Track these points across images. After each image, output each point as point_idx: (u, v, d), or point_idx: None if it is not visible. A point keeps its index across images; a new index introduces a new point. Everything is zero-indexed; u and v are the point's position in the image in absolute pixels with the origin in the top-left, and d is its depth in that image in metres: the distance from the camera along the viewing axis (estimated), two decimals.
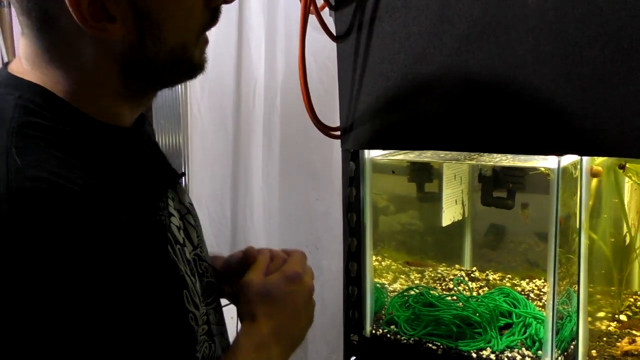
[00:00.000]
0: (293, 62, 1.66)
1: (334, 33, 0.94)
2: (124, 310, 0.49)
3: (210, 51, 0.62)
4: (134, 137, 0.63)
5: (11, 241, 0.46)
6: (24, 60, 0.58)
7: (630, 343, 0.86)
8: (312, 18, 0.92)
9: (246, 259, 0.74)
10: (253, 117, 1.76)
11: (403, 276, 1.15)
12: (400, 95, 0.88)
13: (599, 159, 0.88)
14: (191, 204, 0.72)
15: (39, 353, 0.46)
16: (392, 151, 1.04)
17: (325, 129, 0.97)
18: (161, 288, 0.55)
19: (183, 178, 0.72)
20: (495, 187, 1.04)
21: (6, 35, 1.64)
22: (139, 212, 0.56)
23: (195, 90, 1.72)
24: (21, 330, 0.46)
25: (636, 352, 0.84)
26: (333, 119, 1.02)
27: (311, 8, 0.90)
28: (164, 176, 0.68)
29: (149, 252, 0.55)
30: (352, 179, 0.98)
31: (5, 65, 0.61)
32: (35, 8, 0.54)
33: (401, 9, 0.87)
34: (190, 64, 0.60)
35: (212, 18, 0.61)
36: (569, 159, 0.85)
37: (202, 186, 1.79)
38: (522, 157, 1.00)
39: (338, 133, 0.97)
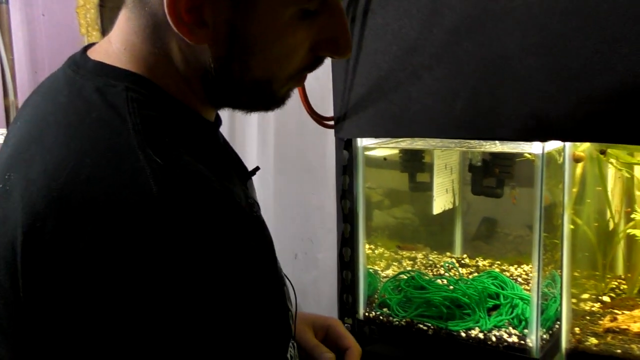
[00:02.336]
0: None
1: None
2: (247, 302, 0.49)
3: None
4: (217, 130, 0.62)
5: (181, 238, 0.45)
6: (117, 36, 0.55)
7: (611, 321, 0.90)
8: None
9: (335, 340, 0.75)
10: None
11: (396, 263, 1.18)
12: (392, 85, 0.91)
13: (583, 146, 0.91)
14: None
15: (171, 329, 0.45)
16: (384, 140, 1.07)
17: (319, 119, 1.00)
18: (274, 285, 0.54)
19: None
20: (485, 176, 1.08)
21: (4, 32, 1.66)
22: (247, 206, 0.54)
23: None
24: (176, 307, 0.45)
25: (617, 329, 0.88)
26: (327, 114, 1.05)
27: None
28: (239, 171, 0.65)
29: (265, 247, 0.52)
30: (345, 167, 1.02)
31: (85, 50, 0.57)
32: None
33: (394, 2, 0.91)
34: (270, 99, 0.58)
35: (313, 64, 0.58)
36: (553, 145, 0.89)
37: None
38: (511, 144, 1.03)
39: (331, 123, 1.00)
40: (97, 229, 0.44)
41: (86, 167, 0.46)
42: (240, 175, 0.64)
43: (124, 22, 0.54)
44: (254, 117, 1.77)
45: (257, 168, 0.68)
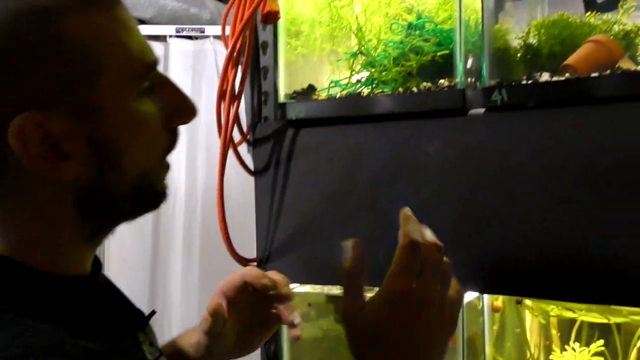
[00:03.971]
0: (213, 173, 1.69)
1: (252, 168, 0.98)
2: None
3: None
4: (95, 284, 0.59)
5: None
6: None
7: None
8: None
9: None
10: (173, 226, 1.76)
11: None
12: (315, 232, 0.92)
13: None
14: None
15: None
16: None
17: (243, 261, 0.98)
18: None
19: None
20: None
21: None
22: None
23: None
24: None
25: None
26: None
27: (229, 144, 0.94)
28: (133, 320, 0.63)
29: None
30: None
31: None
32: None
33: (315, 149, 0.93)
34: (152, 193, 0.57)
35: (172, 141, 0.58)
36: (473, 295, 0.90)
37: None
38: None
39: (255, 264, 0.98)
40: None
41: None
42: (135, 324, 0.62)
43: None
44: (180, 232, 1.74)
45: (154, 312, 0.66)
